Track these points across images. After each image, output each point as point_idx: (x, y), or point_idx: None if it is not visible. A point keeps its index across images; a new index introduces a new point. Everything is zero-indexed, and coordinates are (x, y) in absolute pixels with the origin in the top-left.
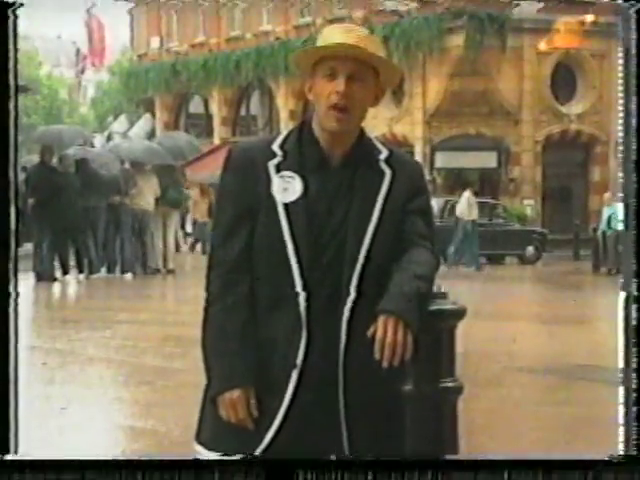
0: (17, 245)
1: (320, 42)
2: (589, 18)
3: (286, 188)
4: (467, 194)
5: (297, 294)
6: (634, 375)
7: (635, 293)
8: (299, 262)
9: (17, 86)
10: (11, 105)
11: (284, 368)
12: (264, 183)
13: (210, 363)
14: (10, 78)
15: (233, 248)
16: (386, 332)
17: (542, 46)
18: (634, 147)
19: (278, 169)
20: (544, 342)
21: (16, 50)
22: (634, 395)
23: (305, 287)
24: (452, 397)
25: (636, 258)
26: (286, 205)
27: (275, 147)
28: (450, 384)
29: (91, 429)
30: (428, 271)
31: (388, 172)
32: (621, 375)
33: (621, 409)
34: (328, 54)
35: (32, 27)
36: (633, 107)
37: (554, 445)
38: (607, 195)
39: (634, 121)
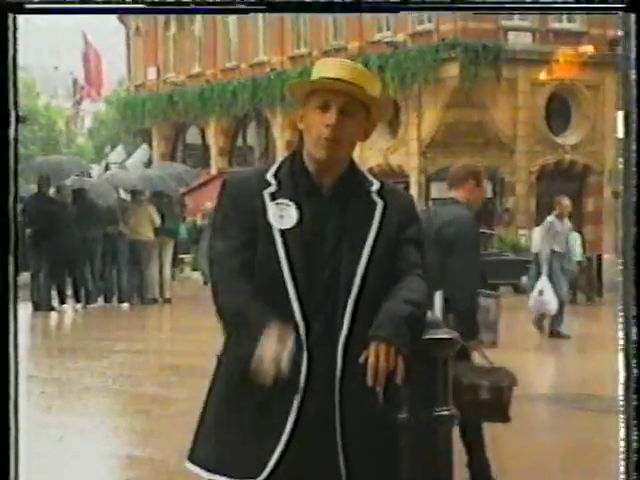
0: (17, 274)
1: (315, 74)
2: (588, 49)
3: (282, 215)
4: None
5: (296, 320)
6: (634, 401)
7: (634, 323)
8: (296, 288)
9: (17, 116)
10: (11, 135)
11: (286, 393)
12: (260, 212)
13: (237, 318)
14: (10, 108)
15: (234, 277)
16: (378, 358)
17: (542, 76)
18: (634, 169)
19: (273, 197)
20: (540, 371)
21: (16, 80)
22: (634, 423)
23: (303, 313)
24: (447, 425)
25: (635, 285)
26: (282, 232)
27: (269, 176)
28: (445, 412)
29: (88, 458)
30: (420, 297)
31: (380, 203)
32: (621, 402)
33: (622, 437)
34: (323, 87)
35: (30, 58)
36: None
37: (551, 472)
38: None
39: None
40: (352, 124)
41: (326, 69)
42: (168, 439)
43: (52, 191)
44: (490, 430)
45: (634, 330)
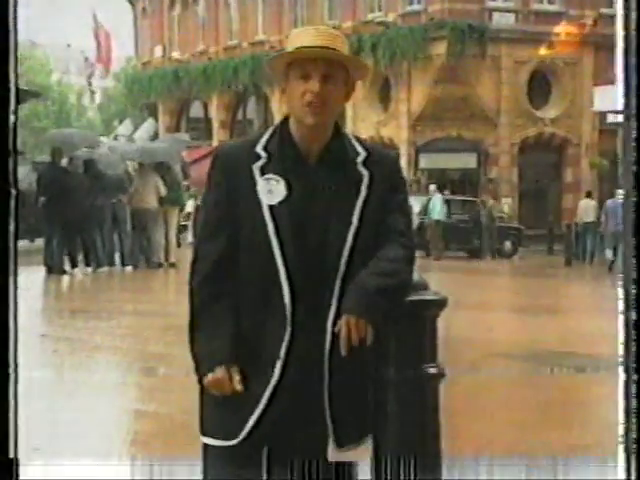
0: (16, 241)
1: (290, 44)
2: (589, 22)
3: (271, 190)
4: (584, 200)
5: (283, 293)
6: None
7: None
8: (285, 262)
9: (18, 93)
10: (11, 111)
11: (271, 359)
12: (248, 185)
13: (195, 347)
14: (11, 85)
15: (216, 245)
16: (349, 331)
17: (542, 52)
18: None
19: (263, 171)
20: (520, 330)
21: (16, 58)
22: (634, 387)
23: (290, 285)
24: (434, 382)
25: (636, 254)
26: (271, 207)
27: (259, 149)
28: (432, 370)
29: (98, 412)
30: (396, 266)
31: (366, 174)
32: (620, 365)
33: (621, 403)
34: (301, 57)
35: (44, 37)
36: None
37: (528, 426)
38: (431, 187)
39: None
40: (334, 88)
41: (301, 39)
42: (172, 395)
43: (64, 161)
44: (468, 388)
45: (633, 291)
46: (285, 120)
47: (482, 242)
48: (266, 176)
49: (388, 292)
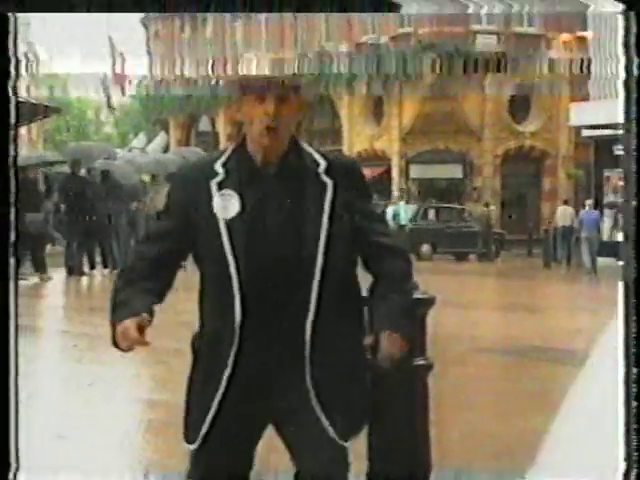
0: (17, 243)
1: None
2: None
3: (226, 206)
4: (562, 207)
5: (234, 304)
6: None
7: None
8: (238, 274)
9: (17, 115)
10: (11, 120)
11: (222, 368)
12: (206, 201)
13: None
14: (10, 97)
15: (149, 250)
16: (392, 347)
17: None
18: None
19: (220, 187)
20: (503, 326)
21: (17, 68)
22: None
23: (242, 298)
24: (423, 374)
25: (635, 248)
26: (227, 222)
27: (217, 166)
28: (422, 362)
29: (115, 401)
30: (408, 279)
31: (330, 183)
32: (623, 367)
33: (621, 405)
34: (257, 79)
35: (64, 58)
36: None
37: (510, 414)
38: (395, 194)
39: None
40: (288, 108)
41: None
42: (182, 386)
43: (83, 172)
44: (454, 379)
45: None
46: (243, 138)
47: (483, 246)
48: (222, 191)
49: (412, 304)
